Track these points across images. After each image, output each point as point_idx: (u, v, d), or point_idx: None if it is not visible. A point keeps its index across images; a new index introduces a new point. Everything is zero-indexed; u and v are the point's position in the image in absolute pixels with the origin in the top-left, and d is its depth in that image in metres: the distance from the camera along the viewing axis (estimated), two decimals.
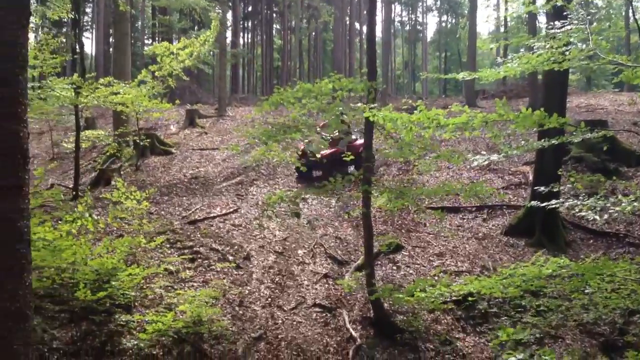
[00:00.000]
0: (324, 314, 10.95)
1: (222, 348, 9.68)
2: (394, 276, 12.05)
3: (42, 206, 11.67)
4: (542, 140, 7.71)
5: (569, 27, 7.88)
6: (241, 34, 64.41)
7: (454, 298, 10.01)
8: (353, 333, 10.23)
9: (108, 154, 17.63)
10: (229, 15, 46.08)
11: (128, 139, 18.68)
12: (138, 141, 18.43)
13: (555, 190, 8.12)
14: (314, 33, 62.72)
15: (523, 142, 8.64)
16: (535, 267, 7.44)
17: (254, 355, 9.71)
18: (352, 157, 12.51)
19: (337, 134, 15.69)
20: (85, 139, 17.75)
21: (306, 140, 14.10)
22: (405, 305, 10.50)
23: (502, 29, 46.44)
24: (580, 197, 7.35)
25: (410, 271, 12.18)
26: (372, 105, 7.93)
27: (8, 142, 3.34)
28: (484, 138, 17.98)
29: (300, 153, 16.18)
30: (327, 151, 16.76)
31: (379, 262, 12.40)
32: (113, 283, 9.59)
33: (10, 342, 3.21)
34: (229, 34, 46.40)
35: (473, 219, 14.49)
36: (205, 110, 26.81)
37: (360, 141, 15.37)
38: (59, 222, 10.24)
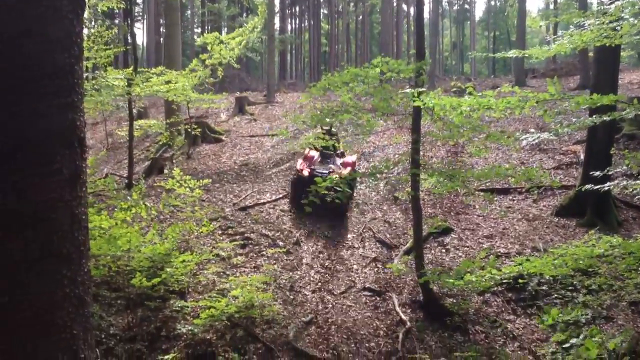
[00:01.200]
0: (374, 298, 11.03)
1: (273, 332, 9.88)
2: (443, 259, 12.01)
3: (97, 195, 12.10)
4: (594, 117, 7.54)
5: (619, 2, 7.65)
6: (289, 20, 64.63)
7: (504, 280, 9.91)
8: (402, 316, 10.27)
9: (160, 142, 18.04)
10: (277, 1, 46.20)
11: (180, 127, 19.05)
12: (189, 130, 18.80)
13: (604, 172, 7.95)
14: (361, 16, 62.32)
15: (574, 119, 8.44)
16: (587, 247, 7.31)
17: (304, 339, 9.88)
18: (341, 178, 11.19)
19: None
20: (138, 128, 18.19)
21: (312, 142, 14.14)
22: (454, 288, 10.46)
23: (551, 6, 45.11)
24: (633, 177, 7.18)
25: (460, 254, 12.12)
26: (421, 90, 7.86)
27: (67, 132, 3.46)
28: (533, 117, 17.62)
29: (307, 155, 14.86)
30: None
31: (428, 245, 12.37)
32: (167, 269, 9.87)
33: (70, 327, 3.34)
34: (276, 20, 46.67)
35: (523, 200, 14.27)
36: (254, 97, 27.10)
37: (352, 158, 14.76)
38: (114, 210, 10.59)
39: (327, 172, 12.87)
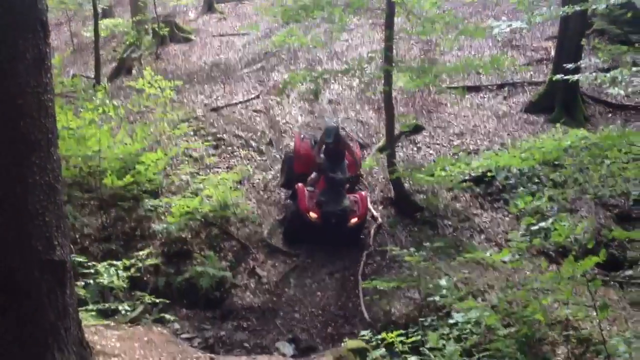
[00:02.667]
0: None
1: (248, 230, 10.06)
2: (415, 156, 12.15)
3: (64, 96, 11.80)
4: (566, 7, 7.45)
5: None
6: None
7: (473, 175, 10.09)
8: (374, 213, 10.50)
9: (128, 43, 17.45)
10: None
11: (147, 27, 18.37)
12: (157, 29, 18.17)
13: (576, 65, 7.95)
14: None
15: (545, 8, 8.35)
16: (554, 140, 7.44)
17: (278, 235, 10.09)
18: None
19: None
20: (104, 28, 17.52)
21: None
22: (425, 184, 10.66)
23: None
24: (602, 71, 7.20)
25: (431, 151, 12.26)
26: None
27: (28, 14, 3.29)
28: (507, 14, 17.31)
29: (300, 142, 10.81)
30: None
31: (400, 144, 12.45)
32: (138, 167, 9.78)
33: (42, 215, 3.34)
34: None
35: (494, 97, 14.31)
36: None
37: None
38: (81, 110, 10.37)
39: (340, 211, 9.23)
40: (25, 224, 3.28)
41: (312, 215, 9.23)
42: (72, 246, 8.53)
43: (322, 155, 10.00)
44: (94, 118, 9.74)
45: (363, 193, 9.82)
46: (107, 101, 10.08)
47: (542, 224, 5.14)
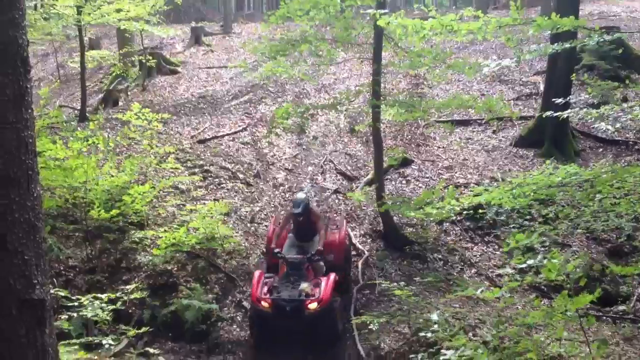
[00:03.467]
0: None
1: (235, 262, 9.92)
2: (404, 190, 12.12)
3: (50, 127, 11.68)
4: (556, 44, 7.51)
5: None
6: None
7: (463, 211, 10.05)
8: (359, 246, 10.41)
9: (114, 74, 17.45)
10: None
11: (133, 58, 18.40)
12: (144, 61, 18.18)
13: (566, 100, 7.99)
14: None
15: (534, 45, 8.41)
16: (545, 176, 7.40)
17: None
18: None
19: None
20: (90, 59, 17.50)
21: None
22: (414, 218, 10.59)
23: None
24: (592, 106, 7.23)
25: (420, 184, 12.23)
26: (383, 11, 7.61)
27: (8, 50, 3.23)
28: (495, 48, 17.56)
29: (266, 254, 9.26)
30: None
31: (389, 177, 12.43)
32: (125, 199, 9.67)
33: (22, 253, 3.23)
34: None
35: (483, 131, 14.38)
36: (211, 28, 26.19)
37: (336, 230, 9.22)
38: (70, 141, 10.26)
39: (296, 296, 7.76)
40: (4, 263, 3.20)
41: (264, 304, 7.73)
42: (55, 279, 8.41)
43: (290, 234, 8.83)
44: (82, 149, 9.61)
45: (332, 276, 8.05)
46: (98, 132, 9.98)
47: (532, 262, 5.05)
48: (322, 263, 8.45)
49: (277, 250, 8.34)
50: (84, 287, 8.67)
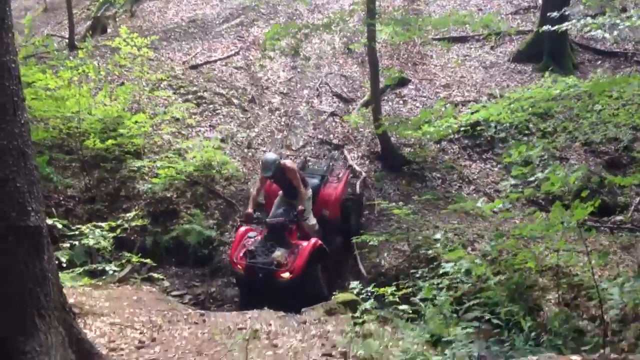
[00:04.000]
0: (332, 151, 11.07)
1: (233, 188, 9.93)
2: (401, 110, 11.99)
3: (39, 57, 11.44)
4: None
5: None
6: None
7: (461, 128, 9.97)
8: (357, 167, 10.39)
9: (101, 0, 16.96)
10: None
11: None
12: None
13: (562, 12, 7.75)
14: None
15: None
16: (543, 89, 7.30)
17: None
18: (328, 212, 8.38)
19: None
20: None
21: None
22: (412, 137, 10.54)
23: None
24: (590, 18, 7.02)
25: (417, 104, 12.09)
26: None
27: None
28: None
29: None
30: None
31: (386, 97, 12.27)
32: (120, 131, 9.62)
33: (13, 180, 3.18)
34: None
35: (480, 47, 14.09)
36: None
37: (335, 183, 8.73)
38: (60, 70, 10.07)
39: (268, 265, 7.19)
40: None
41: (238, 267, 7.42)
42: (55, 209, 8.43)
43: (280, 192, 8.26)
44: (73, 78, 9.43)
45: (305, 244, 7.41)
46: (88, 61, 9.77)
47: (538, 175, 5.03)
48: (312, 222, 7.96)
49: (256, 214, 7.89)
50: (85, 216, 8.70)
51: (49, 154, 9.35)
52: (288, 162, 7.98)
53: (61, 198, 8.90)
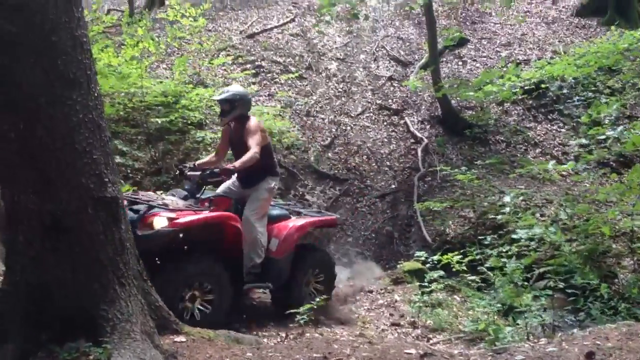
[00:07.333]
0: (391, 117, 10.94)
1: (294, 157, 9.95)
2: (461, 71, 11.72)
3: (103, 32, 11.64)
4: None
5: None
6: None
7: (524, 87, 9.65)
8: (417, 134, 10.24)
9: None
10: None
11: None
12: None
13: None
14: None
15: None
16: (609, 43, 6.98)
17: (325, 161, 9.96)
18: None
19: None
20: None
21: None
22: (473, 100, 10.30)
23: None
24: None
25: (477, 65, 11.79)
26: None
27: None
28: None
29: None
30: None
31: (444, 59, 12.01)
32: (182, 102, 9.73)
33: (90, 152, 3.24)
34: None
35: (541, 2, 13.58)
36: None
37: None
38: (122, 47, 10.24)
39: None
40: (74, 163, 3.17)
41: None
42: (123, 181, 8.63)
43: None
44: (135, 54, 9.58)
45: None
46: (147, 36, 9.88)
47: (611, 132, 4.82)
48: (259, 228, 5.35)
49: (184, 165, 5.89)
50: (152, 188, 8.88)
51: (115, 127, 9.56)
52: (256, 121, 5.55)
53: (129, 171, 9.10)
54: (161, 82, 9.87)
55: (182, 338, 3.67)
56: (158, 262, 4.85)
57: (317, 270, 5.79)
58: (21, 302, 3.11)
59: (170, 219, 4.73)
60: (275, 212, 5.79)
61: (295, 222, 5.69)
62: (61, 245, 3.17)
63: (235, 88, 5.69)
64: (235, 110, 5.38)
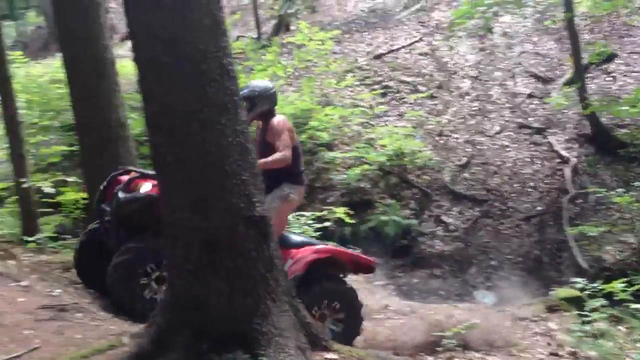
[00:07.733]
0: (533, 136, 10.26)
1: (428, 177, 9.58)
2: (610, 88, 10.85)
3: (234, 59, 11.93)
4: None
5: None
6: None
7: None
8: (564, 153, 9.52)
9: None
10: None
11: None
12: None
13: None
14: None
15: None
16: None
17: (461, 182, 9.50)
18: None
19: None
20: None
21: None
22: (627, 117, 9.46)
23: None
24: None
25: (629, 80, 10.87)
26: None
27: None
28: None
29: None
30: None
31: (590, 75, 11.14)
32: (311, 123, 9.74)
33: (239, 174, 3.36)
34: None
35: None
36: None
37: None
38: (251, 72, 10.43)
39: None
40: (225, 184, 3.34)
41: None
42: None
43: None
44: (265, 78, 9.74)
45: None
46: (277, 61, 10.06)
47: None
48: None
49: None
50: None
51: None
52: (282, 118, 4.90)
53: None
54: (292, 104, 9.91)
55: (333, 355, 3.63)
56: None
57: (336, 304, 4.83)
58: (182, 313, 3.26)
59: (155, 185, 4.33)
60: (303, 239, 5.14)
61: (319, 245, 5.00)
62: (216, 261, 3.32)
63: (255, 82, 5.20)
64: (255, 107, 4.78)
